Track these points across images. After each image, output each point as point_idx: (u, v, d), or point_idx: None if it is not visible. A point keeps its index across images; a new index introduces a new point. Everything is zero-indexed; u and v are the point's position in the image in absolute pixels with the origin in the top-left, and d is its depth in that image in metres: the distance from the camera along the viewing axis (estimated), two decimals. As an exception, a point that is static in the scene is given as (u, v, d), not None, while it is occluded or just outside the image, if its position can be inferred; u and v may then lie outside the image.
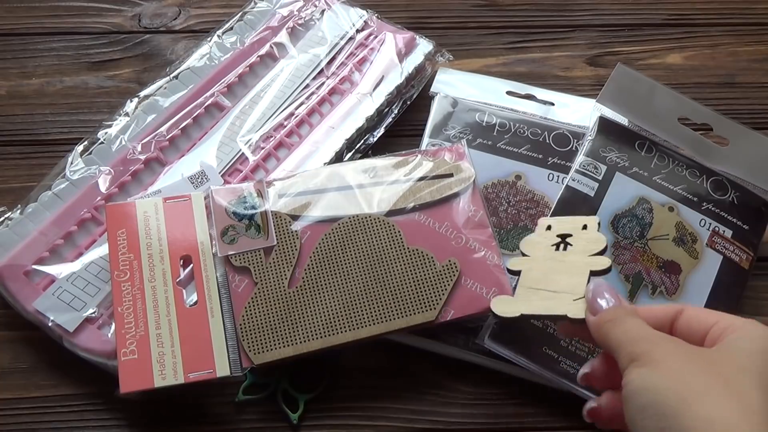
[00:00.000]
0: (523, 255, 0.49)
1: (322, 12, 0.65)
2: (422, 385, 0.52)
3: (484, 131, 0.58)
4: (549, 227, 0.50)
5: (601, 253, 0.47)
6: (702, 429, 0.34)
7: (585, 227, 0.49)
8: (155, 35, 0.67)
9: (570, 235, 0.49)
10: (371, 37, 0.64)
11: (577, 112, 0.61)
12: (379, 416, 0.51)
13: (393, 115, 0.61)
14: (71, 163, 0.55)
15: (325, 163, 0.57)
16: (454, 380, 0.52)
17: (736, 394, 0.36)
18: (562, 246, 0.48)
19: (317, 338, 0.49)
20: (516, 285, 0.49)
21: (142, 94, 0.59)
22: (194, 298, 0.50)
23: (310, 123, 0.59)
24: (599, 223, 0.49)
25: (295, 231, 0.52)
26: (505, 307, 0.47)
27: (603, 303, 0.42)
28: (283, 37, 0.63)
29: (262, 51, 0.62)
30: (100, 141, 0.57)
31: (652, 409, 0.36)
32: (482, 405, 0.51)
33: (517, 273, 0.48)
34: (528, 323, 0.51)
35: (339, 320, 0.49)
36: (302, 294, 0.50)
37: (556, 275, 0.47)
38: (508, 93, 0.62)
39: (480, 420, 0.51)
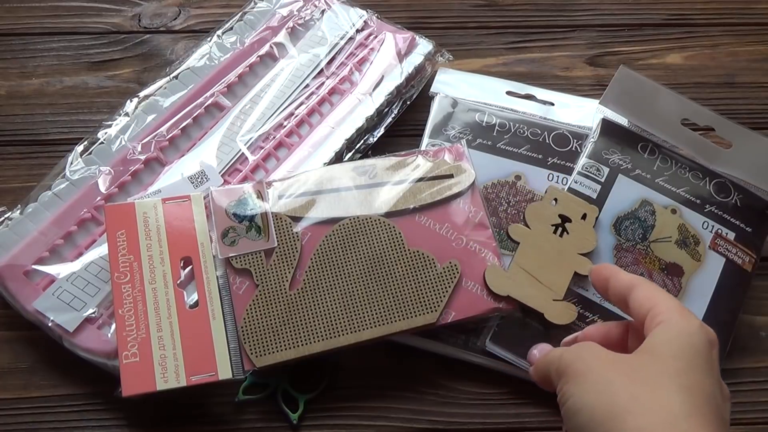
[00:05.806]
0: (525, 225, 0.52)
1: (322, 12, 0.64)
2: (422, 385, 0.52)
3: (483, 131, 0.58)
4: (556, 200, 0.53)
5: (588, 255, 0.52)
6: None
7: (584, 217, 0.53)
8: (155, 35, 0.67)
9: (570, 221, 0.52)
10: (371, 37, 0.64)
11: (577, 112, 0.61)
12: (379, 416, 0.51)
13: (393, 115, 0.61)
14: (71, 163, 0.55)
15: (325, 163, 0.57)
16: (454, 380, 0.52)
17: (659, 403, 0.37)
18: (560, 230, 0.52)
19: (319, 340, 0.49)
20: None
21: (142, 94, 0.59)
22: (195, 298, 0.50)
23: (310, 123, 0.59)
24: (597, 218, 0.53)
25: (296, 232, 0.51)
26: (497, 281, 0.50)
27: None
28: (282, 37, 0.63)
29: (262, 51, 0.62)
30: (100, 141, 0.56)
31: (587, 429, 0.38)
32: (482, 405, 0.52)
33: (516, 242, 0.52)
34: (528, 325, 0.51)
35: (340, 322, 0.49)
36: (303, 296, 0.50)
37: (546, 264, 0.51)
38: (508, 93, 0.62)
39: (480, 420, 0.51)
